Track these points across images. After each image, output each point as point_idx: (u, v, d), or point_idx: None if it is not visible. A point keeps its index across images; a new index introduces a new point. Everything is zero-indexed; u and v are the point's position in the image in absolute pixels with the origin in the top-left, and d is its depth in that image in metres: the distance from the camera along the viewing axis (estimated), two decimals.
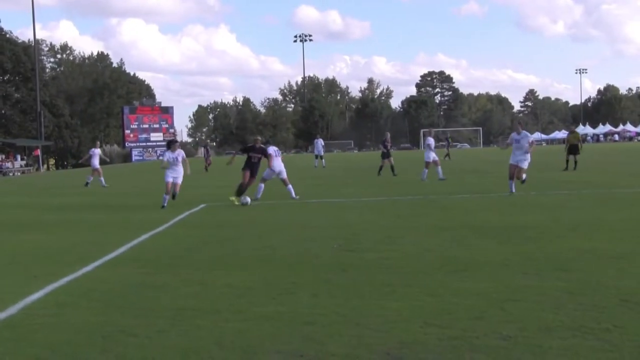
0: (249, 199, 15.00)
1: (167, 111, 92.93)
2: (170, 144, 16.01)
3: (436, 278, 6.61)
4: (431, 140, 22.58)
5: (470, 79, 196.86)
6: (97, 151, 26.72)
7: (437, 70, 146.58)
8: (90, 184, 25.65)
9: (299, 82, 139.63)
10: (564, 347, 4.34)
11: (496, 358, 4.18)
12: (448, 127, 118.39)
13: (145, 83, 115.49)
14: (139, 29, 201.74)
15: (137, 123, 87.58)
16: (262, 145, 15.88)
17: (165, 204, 15.10)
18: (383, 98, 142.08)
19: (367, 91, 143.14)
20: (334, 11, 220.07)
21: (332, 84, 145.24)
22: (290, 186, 16.18)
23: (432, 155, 22.24)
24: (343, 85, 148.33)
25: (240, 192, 15.29)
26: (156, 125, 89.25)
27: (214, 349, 4.56)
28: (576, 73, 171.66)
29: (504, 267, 7.05)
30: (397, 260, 7.64)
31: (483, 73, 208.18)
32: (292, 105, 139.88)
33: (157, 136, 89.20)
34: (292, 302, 5.82)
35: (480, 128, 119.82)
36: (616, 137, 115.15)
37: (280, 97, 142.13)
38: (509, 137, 16.07)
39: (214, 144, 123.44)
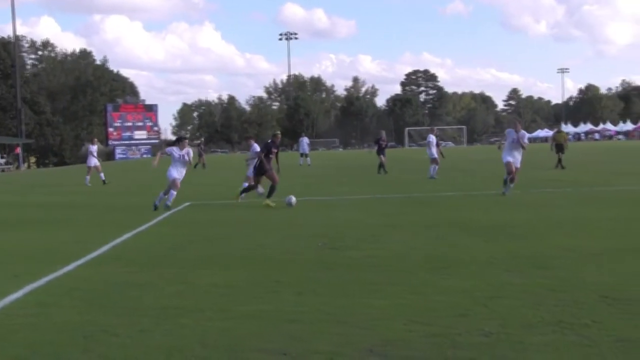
0: (294, 199, 13.88)
1: (151, 109, 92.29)
2: (179, 141, 14.76)
3: (421, 276, 6.64)
4: (433, 138, 23.12)
5: (455, 77, 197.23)
6: (94, 148, 26.42)
7: (422, 69, 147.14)
8: (106, 180, 25.33)
9: (285, 81, 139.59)
10: (544, 343, 4.39)
11: (478, 354, 4.21)
12: (433, 126, 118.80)
13: (129, 81, 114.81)
14: (123, 26, 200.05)
15: (120, 121, 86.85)
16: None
17: (169, 203, 13.95)
18: (368, 97, 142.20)
19: (352, 89, 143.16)
20: (320, 9, 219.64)
21: (317, 82, 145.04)
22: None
23: (435, 152, 22.60)
24: (328, 84, 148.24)
25: (247, 190, 14.69)
26: (140, 123, 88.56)
27: (198, 348, 4.55)
28: (558, 72, 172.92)
29: (487, 265, 7.10)
30: (383, 259, 7.67)
31: (467, 72, 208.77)
32: (278, 104, 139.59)
33: (141, 134, 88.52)
34: (277, 300, 5.82)
35: (465, 127, 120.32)
36: (596, 135, 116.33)
37: (265, 95, 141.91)
38: (506, 133, 15.36)
39: (198, 142, 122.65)
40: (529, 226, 10.00)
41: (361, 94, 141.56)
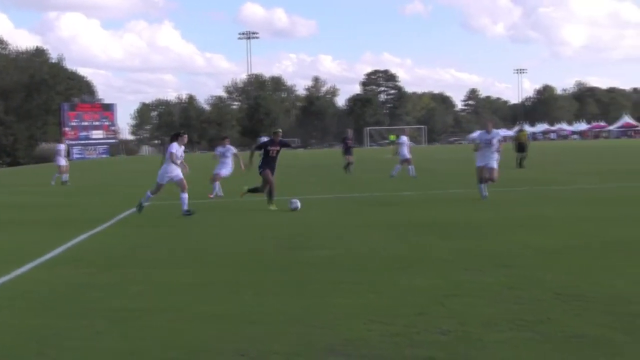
0: (298, 203, 13.04)
1: (109, 108, 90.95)
2: (178, 137, 13.18)
3: (381, 275, 6.67)
4: (405, 139, 23.63)
5: (415, 77, 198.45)
6: (62, 147, 25.99)
7: (382, 69, 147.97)
8: (68, 181, 24.86)
9: (245, 80, 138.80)
10: (501, 340, 4.44)
11: (436, 353, 4.23)
12: (392, 126, 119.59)
13: (86, 79, 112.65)
14: (80, 24, 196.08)
15: (77, 120, 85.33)
16: (282, 138, 13.96)
17: (145, 202, 13.13)
18: (328, 96, 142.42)
19: (313, 89, 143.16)
20: (280, 9, 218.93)
21: (278, 81, 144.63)
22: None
23: (407, 153, 22.98)
24: (289, 83, 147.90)
25: (270, 195, 13.53)
26: (97, 123, 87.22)
27: (154, 350, 4.48)
28: (515, 73, 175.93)
29: (447, 264, 7.17)
30: (344, 258, 7.68)
31: (427, 72, 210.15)
32: (239, 103, 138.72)
33: (98, 134, 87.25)
34: (236, 301, 5.78)
35: (424, 126, 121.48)
36: (552, 135, 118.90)
37: (225, 95, 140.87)
38: (478, 136, 14.82)
39: (158, 141, 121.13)
40: (489, 225, 10.13)
41: (321, 94, 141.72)
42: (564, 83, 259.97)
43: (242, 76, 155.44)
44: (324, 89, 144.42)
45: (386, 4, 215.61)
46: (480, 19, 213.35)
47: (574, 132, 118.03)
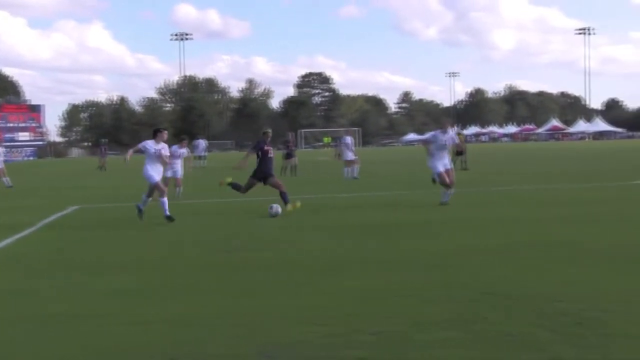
0: (279, 208, 12.34)
1: (36, 109, 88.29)
2: (156, 133, 12.28)
3: (317, 277, 6.68)
4: (349, 139, 23.69)
5: (349, 80, 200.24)
6: (0, 150, 25.08)
7: (316, 72, 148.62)
8: None
9: (178, 81, 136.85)
10: (433, 340, 4.50)
11: (368, 353, 4.26)
12: (327, 128, 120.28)
13: (11, 80, 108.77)
14: (4, 22, 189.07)
15: (2, 122, 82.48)
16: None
17: (167, 212, 11.77)
18: (263, 98, 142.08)
19: (247, 91, 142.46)
20: (213, 10, 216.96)
21: (211, 83, 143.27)
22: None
23: (350, 154, 23.07)
24: (223, 85, 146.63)
25: (235, 190, 13.29)
26: (23, 124, 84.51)
27: (84, 356, 4.35)
28: (448, 76, 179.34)
29: (383, 264, 7.24)
30: (281, 260, 7.67)
31: (361, 75, 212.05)
32: (171, 105, 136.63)
33: (24, 135, 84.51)
34: (169, 305, 5.67)
35: (359, 128, 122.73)
36: (484, 137, 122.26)
37: (158, 97, 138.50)
38: (432, 136, 14.00)
39: (96, 143, 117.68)
40: (426, 226, 10.27)
41: (255, 96, 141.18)
42: (494, 86, 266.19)
43: (174, 78, 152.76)
44: (257, 90, 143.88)
45: (320, 6, 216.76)
46: (413, 22, 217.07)
47: (504, 135, 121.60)
